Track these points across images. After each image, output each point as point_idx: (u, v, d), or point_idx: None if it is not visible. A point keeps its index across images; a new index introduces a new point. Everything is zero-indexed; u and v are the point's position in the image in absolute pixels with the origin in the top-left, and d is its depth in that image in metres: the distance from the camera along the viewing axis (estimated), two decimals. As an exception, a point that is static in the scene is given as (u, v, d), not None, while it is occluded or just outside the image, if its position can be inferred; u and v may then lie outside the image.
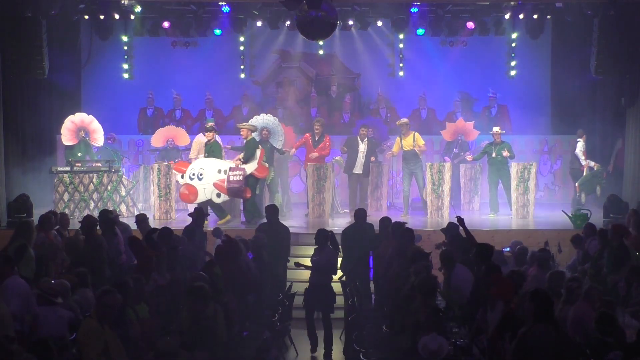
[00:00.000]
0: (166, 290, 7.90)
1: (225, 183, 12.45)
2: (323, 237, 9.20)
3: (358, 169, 13.79)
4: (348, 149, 13.81)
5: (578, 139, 14.34)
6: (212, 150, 12.85)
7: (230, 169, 12.50)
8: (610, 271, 8.63)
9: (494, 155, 13.70)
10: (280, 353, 8.97)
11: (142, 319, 6.78)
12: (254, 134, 13.08)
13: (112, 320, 5.93)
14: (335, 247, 9.39)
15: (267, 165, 12.98)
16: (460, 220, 9.00)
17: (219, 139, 13.28)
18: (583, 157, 14.31)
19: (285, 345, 9.32)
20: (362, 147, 13.78)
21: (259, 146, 12.91)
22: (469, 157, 14.10)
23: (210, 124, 13.31)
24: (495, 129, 13.78)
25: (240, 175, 12.45)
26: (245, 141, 12.89)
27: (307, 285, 9.40)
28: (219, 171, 12.59)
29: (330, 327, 9.17)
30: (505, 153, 13.51)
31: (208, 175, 12.59)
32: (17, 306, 6.77)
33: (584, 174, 14.12)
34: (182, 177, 12.72)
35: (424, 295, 6.79)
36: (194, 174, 12.62)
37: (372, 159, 13.94)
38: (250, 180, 12.64)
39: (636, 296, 7.77)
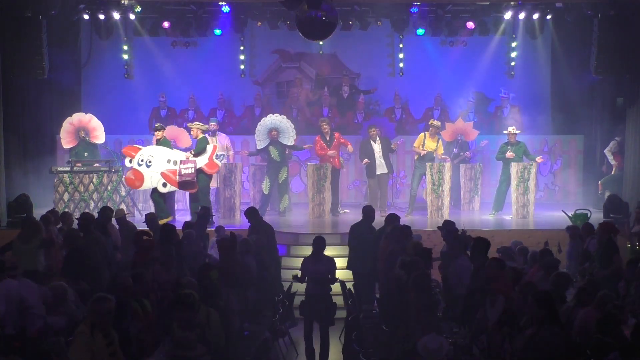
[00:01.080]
0: (170, 287, 7.87)
1: (177, 177, 12.52)
2: (321, 245, 8.87)
3: (381, 169, 13.82)
4: (367, 157, 13.81)
5: (616, 138, 14.30)
6: None
7: (182, 161, 12.56)
8: (600, 267, 8.68)
9: (508, 155, 13.66)
10: (280, 353, 8.97)
11: (146, 312, 6.78)
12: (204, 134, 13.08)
13: (107, 325, 5.80)
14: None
15: (217, 162, 12.95)
16: (464, 233, 9.05)
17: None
18: (612, 157, 14.29)
19: (285, 345, 9.31)
20: (377, 147, 13.81)
21: (209, 142, 12.96)
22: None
23: (160, 124, 13.36)
24: (511, 129, 13.74)
25: (192, 167, 12.54)
26: (196, 140, 12.92)
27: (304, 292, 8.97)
28: (169, 161, 12.65)
29: (328, 339, 8.78)
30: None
31: (157, 163, 12.63)
32: (6, 308, 6.80)
33: (612, 172, 14.13)
34: (131, 161, 12.74)
35: (417, 291, 6.80)
36: (142, 160, 12.63)
37: (394, 146, 13.97)
38: (202, 176, 12.67)
39: (635, 295, 7.78)
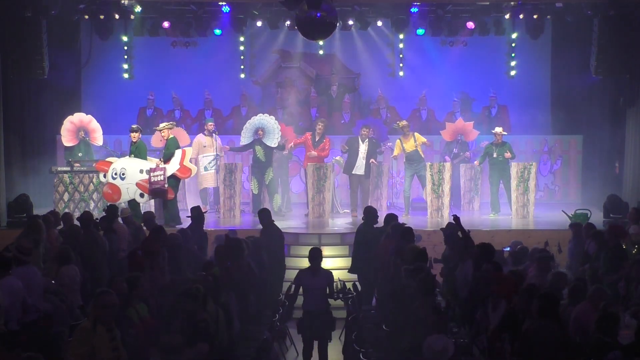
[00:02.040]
0: (169, 290, 7.88)
1: (148, 184, 12.34)
2: (319, 258, 8.62)
3: (359, 170, 13.71)
4: (349, 148, 13.78)
5: None
6: (138, 152, 12.66)
7: (151, 169, 12.33)
8: (605, 272, 8.56)
9: (495, 155, 13.70)
10: (281, 353, 8.97)
11: (143, 318, 6.77)
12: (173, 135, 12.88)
13: (111, 320, 5.80)
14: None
15: (190, 166, 12.76)
16: (457, 218, 8.97)
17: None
18: None
19: (285, 345, 9.31)
20: (363, 148, 13.73)
21: (180, 146, 12.77)
22: (476, 163, 14.07)
23: (136, 125, 13.02)
24: (498, 130, 13.77)
25: (161, 175, 12.29)
26: (165, 141, 12.70)
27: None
28: (141, 171, 12.46)
29: (326, 356, 8.57)
30: (508, 155, 13.54)
31: (130, 174, 12.46)
32: (10, 304, 6.82)
33: None
34: (105, 176, 12.61)
35: (423, 294, 6.80)
36: (116, 174, 12.49)
37: (372, 161, 13.85)
38: (172, 181, 12.43)
39: (636, 296, 7.77)
